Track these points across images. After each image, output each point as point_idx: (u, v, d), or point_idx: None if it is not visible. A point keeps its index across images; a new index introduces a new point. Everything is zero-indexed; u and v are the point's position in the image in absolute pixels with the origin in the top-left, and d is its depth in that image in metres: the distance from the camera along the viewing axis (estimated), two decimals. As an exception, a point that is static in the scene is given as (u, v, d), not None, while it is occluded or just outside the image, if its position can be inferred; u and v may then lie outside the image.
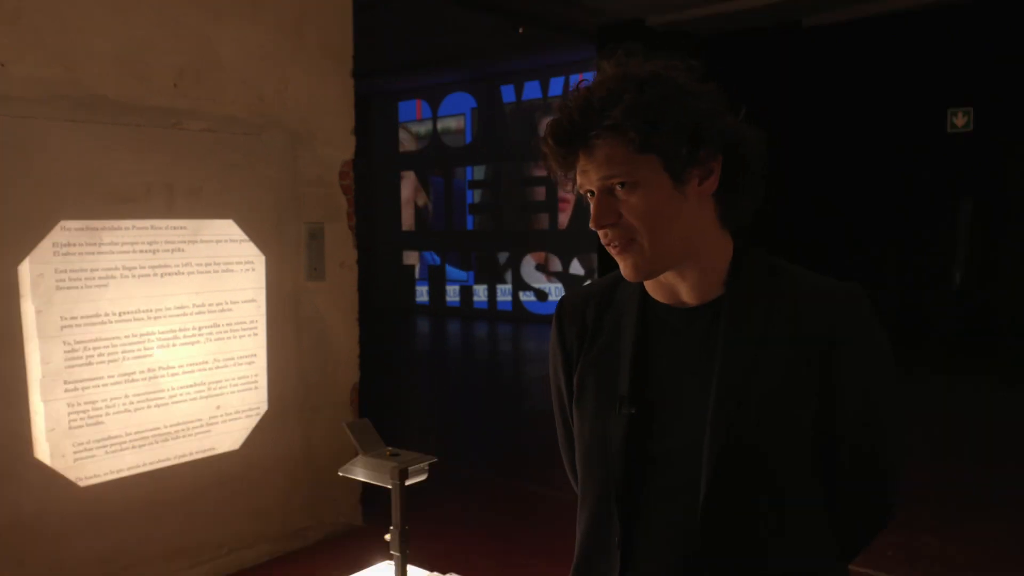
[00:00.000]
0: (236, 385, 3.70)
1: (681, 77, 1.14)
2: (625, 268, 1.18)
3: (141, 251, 3.35)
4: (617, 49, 1.18)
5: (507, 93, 12.91)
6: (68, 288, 3.14)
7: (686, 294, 1.22)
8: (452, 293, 14.00)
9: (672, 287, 1.23)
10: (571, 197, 11.66)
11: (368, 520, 4.28)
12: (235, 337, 3.68)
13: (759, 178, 1.21)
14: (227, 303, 3.65)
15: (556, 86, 12.34)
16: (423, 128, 14.20)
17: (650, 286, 1.26)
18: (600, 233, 1.16)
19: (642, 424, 1.21)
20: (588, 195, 1.18)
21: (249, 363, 3.74)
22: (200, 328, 3.56)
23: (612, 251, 1.18)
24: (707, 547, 1.16)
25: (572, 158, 1.15)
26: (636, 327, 1.25)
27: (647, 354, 1.24)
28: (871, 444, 1.21)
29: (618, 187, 1.13)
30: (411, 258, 14.64)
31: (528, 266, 13.02)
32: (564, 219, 12.58)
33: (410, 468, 1.59)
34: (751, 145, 1.18)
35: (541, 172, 12.67)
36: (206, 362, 3.58)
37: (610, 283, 1.33)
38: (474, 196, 13.81)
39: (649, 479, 1.21)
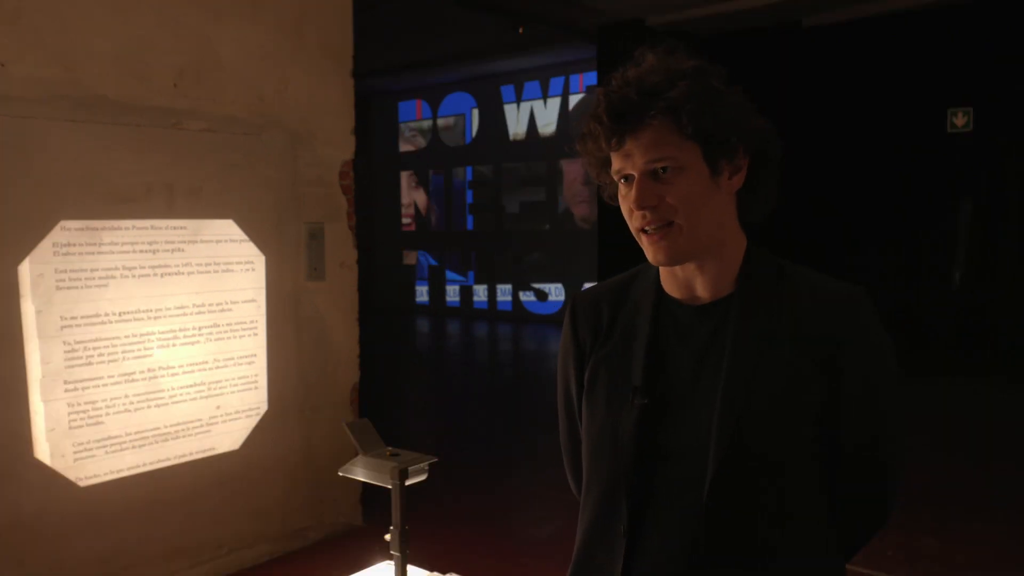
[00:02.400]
0: (236, 385, 3.70)
1: (717, 76, 1.18)
2: (658, 252, 1.19)
3: (141, 251, 3.35)
4: (658, 44, 1.20)
5: (507, 93, 12.91)
6: (68, 288, 3.14)
7: (701, 288, 1.24)
8: (452, 293, 14.00)
9: (689, 281, 1.25)
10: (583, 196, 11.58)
11: (368, 520, 4.28)
12: (235, 337, 3.68)
13: (777, 181, 1.24)
14: (227, 303, 3.65)
15: (556, 86, 12.34)
16: (424, 125, 14.21)
17: (666, 281, 1.28)
18: (638, 215, 1.18)
19: (654, 416, 1.22)
20: (622, 181, 1.19)
21: (249, 363, 3.74)
22: (200, 328, 3.56)
23: (646, 237, 1.19)
24: (711, 541, 1.17)
25: (620, 139, 1.16)
26: (650, 322, 1.27)
27: (660, 349, 1.26)
28: (874, 446, 1.22)
29: (660, 171, 1.15)
30: (411, 258, 14.63)
31: (526, 268, 13.02)
32: (563, 219, 12.58)
33: (410, 468, 1.59)
34: (775, 149, 1.22)
35: (540, 172, 12.73)
36: (206, 362, 3.58)
37: (623, 282, 1.35)
38: (474, 196, 13.81)
39: (657, 472, 1.22)
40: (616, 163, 1.19)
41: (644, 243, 1.20)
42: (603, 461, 1.27)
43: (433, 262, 14.25)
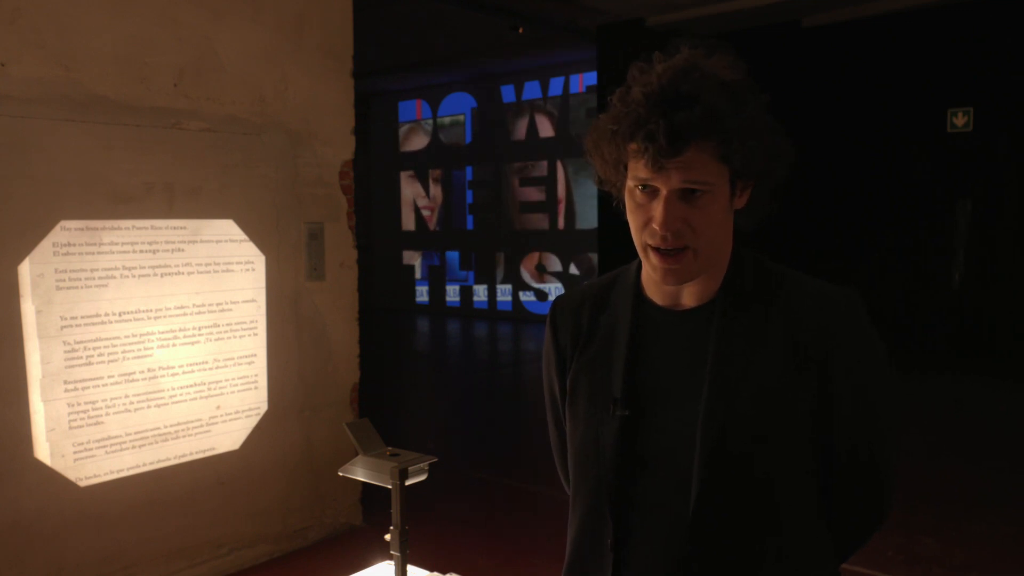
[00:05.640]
0: (236, 385, 3.70)
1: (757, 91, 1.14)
2: (667, 275, 1.14)
3: (141, 251, 3.35)
4: (699, 42, 1.14)
5: (507, 93, 12.91)
6: (68, 288, 3.14)
7: (687, 296, 1.22)
8: (452, 293, 14.00)
9: (676, 290, 1.22)
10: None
11: (368, 520, 4.28)
12: (235, 337, 3.68)
13: (773, 196, 1.22)
14: (227, 303, 3.65)
15: (556, 86, 12.34)
16: (426, 126, 14.21)
17: (648, 286, 1.25)
18: (656, 233, 1.11)
19: (635, 426, 1.20)
20: (640, 189, 1.12)
21: (249, 363, 3.74)
22: (200, 328, 3.56)
23: (656, 256, 1.13)
24: (699, 551, 1.16)
25: (663, 157, 1.07)
26: (630, 329, 1.24)
27: (641, 356, 1.23)
28: (867, 447, 1.21)
29: (691, 192, 1.10)
30: (411, 258, 14.64)
31: (526, 268, 13.03)
32: (563, 219, 12.58)
33: (410, 468, 1.59)
34: (787, 167, 1.19)
35: (541, 172, 12.74)
36: (206, 362, 3.58)
37: (605, 285, 1.32)
38: (474, 196, 13.81)
39: (641, 481, 1.20)
40: (642, 172, 1.10)
41: (652, 262, 1.15)
42: (587, 472, 1.25)
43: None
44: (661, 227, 1.10)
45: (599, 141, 1.16)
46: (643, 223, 1.13)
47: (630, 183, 1.14)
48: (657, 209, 1.11)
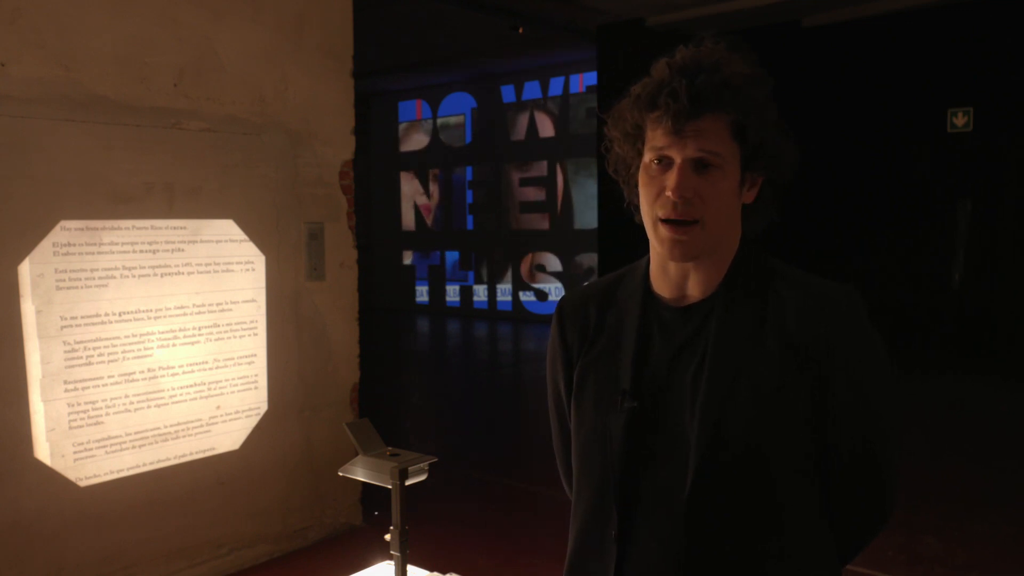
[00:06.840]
0: (236, 385, 3.70)
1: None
2: (675, 247, 1.16)
3: (141, 251, 3.35)
4: (721, 38, 1.19)
5: (507, 93, 12.91)
6: (68, 288, 3.14)
7: (692, 286, 1.23)
8: (452, 293, 14.00)
9: (681, 279, 1.23)
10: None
11: (368, 520, 4.28)
12: (235, 337, 3.68)
13: (779, 201, 1.25)
14: (227, 303, 3.65)
15: (556, 86, 12.34)
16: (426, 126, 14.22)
17: (656, 278, 1.26)
18: (667, 202, 1.15)
19: (642, 419, 1.21)
20: (655, 163, 1.16)
21: (249, 363, 3.74)
22: (200, 328, 3.56)
23: (667, 228, 1.16)
24: (693, 548, 1.16)
25: (683, 119, 1.12)
26: (639, 323, 1.25)
27: (648, 351, 1.24)
28: (868, 447, 1.21)
29: (703, 165, 1.14)
30: (411, 258, 14.64)
31: (526, 268, 13.03)
32: (563, 219, 12.58)
33: (410, 468, 1.59)
34: (791, 175, 1.22)
35: (540, 172, 12.74)
36: (206, 362, 3.58)
37: (611, 282, 1.33)
38: (474, 196, 13.81)
39: (645, 477, 1.20)
40: (659, 140, 1.15)
41: (661, 234, 1.17)
42: (593, 465, 1.25)
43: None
44: (674, 192, 1.14)
45: (621, 111, 1.20)
46: (656, 194, 1.16)
47: (646, 157, 1.18)
48: (671, 178, 1.14)
